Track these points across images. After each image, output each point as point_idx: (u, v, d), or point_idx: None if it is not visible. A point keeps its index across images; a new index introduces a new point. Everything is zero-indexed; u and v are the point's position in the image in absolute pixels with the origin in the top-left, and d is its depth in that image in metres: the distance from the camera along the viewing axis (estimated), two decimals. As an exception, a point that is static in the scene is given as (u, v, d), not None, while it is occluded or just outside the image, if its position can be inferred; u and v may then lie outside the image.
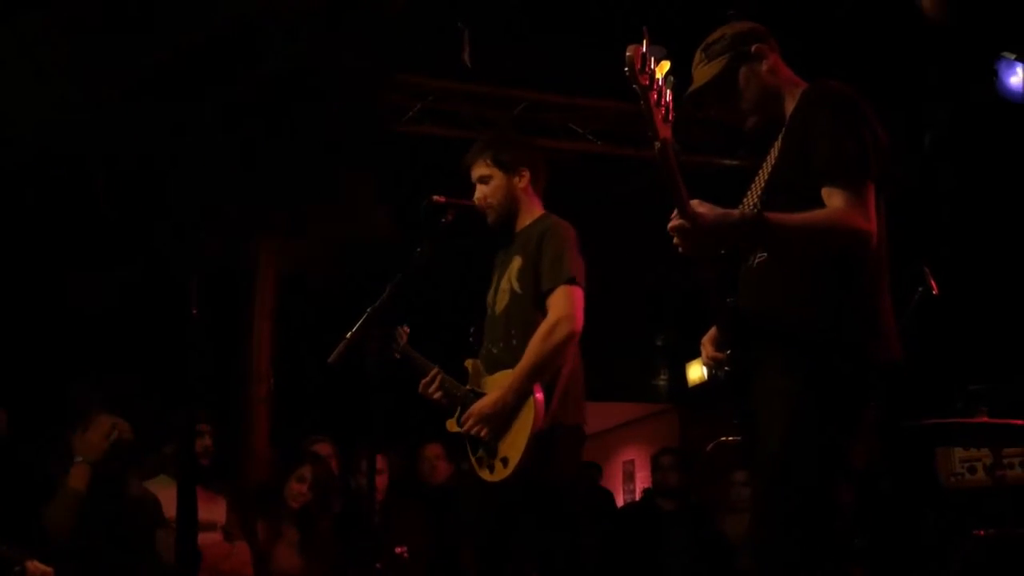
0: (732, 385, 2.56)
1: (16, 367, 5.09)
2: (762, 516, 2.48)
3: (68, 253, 5.27)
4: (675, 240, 2.29)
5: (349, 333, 3.40)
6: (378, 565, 4.91)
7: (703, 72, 2.68)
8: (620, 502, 9.66)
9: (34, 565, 3.53)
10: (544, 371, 3.31)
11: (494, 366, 3.48)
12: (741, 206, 2.58)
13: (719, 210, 2.30)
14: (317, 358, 3.44)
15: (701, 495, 6.66)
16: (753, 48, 2.66)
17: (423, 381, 3.62)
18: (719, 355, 2.60)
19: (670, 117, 2.17)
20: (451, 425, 3.58)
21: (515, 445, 3.28)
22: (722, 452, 4.62)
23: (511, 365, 3.37)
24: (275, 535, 4.78)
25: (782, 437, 2.39)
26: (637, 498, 9.54)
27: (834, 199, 2.38)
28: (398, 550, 5.09)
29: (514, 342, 3.42)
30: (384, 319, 3.52)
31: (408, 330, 3.79)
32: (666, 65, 2.15)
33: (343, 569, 4.90)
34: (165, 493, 4.31)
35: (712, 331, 2.65)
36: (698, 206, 2.27)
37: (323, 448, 5.31)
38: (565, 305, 3.35)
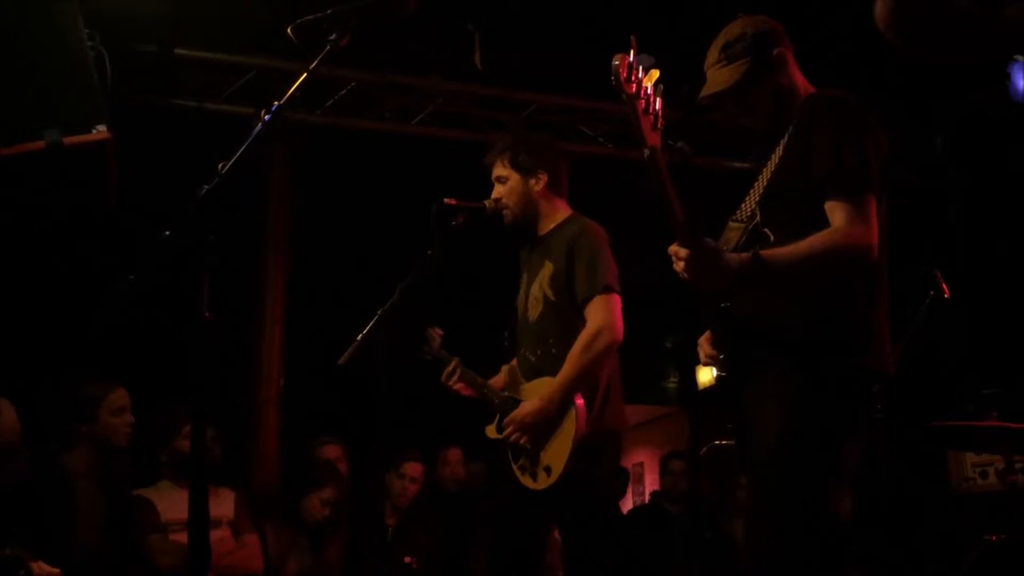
0: (726, 389, 2.56)
1: (23, 369, 5.10)
2: (757, 520, 2.49)
3: (76, 254, 5.28)
4: (675, 265, 2.27)
5: (360, 335, 3.40)
6: (387, 570, 4.91)
7: (721, 75, 2.61)
8: (629, 504, 9.64)
9: (39, 567, 3.54)
10: (584, 381, 3.32)
11: (532, 373, 3.46)
12: (739, 212, 2.57)
13: (720, 250, 2.28)
14: (328, 361, 3.45)
15: (706, 498, 6.66)
16: (775, 52, 2.60)
17: (445, 371, 3.62)
18: (715, 353, 2.58)
19: (659, 125, 2.16)
20: (490, 432, 3.55)
21: (558, 453, 3.27)
22: (722, 455, 4.62)
23: (551, 373, 3.37)
24: (288, 541, 4.79)
25: (776, 442, 2.41)
26: (646, 500, 9.52)
27: (836, 214, 2.38)
28: (406, 560, 5.07)
29: (553, 351, 3.41)
30: (395, 321, 3.53)
31: (441, 332, 3.78)
32: (655, 74, 2.14)
33: (353, 572, 4.90)
34: (165, 498, 4.33)
35: (708, 332, 2.63)
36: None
37: (332, 450, 5.29)
38: (604, 315, 3.35)
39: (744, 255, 2.32)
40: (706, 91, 2.64)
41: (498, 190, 3.58)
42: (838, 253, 2.35)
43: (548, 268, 3.49)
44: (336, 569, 4.89)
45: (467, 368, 3.62)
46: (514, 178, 3.56)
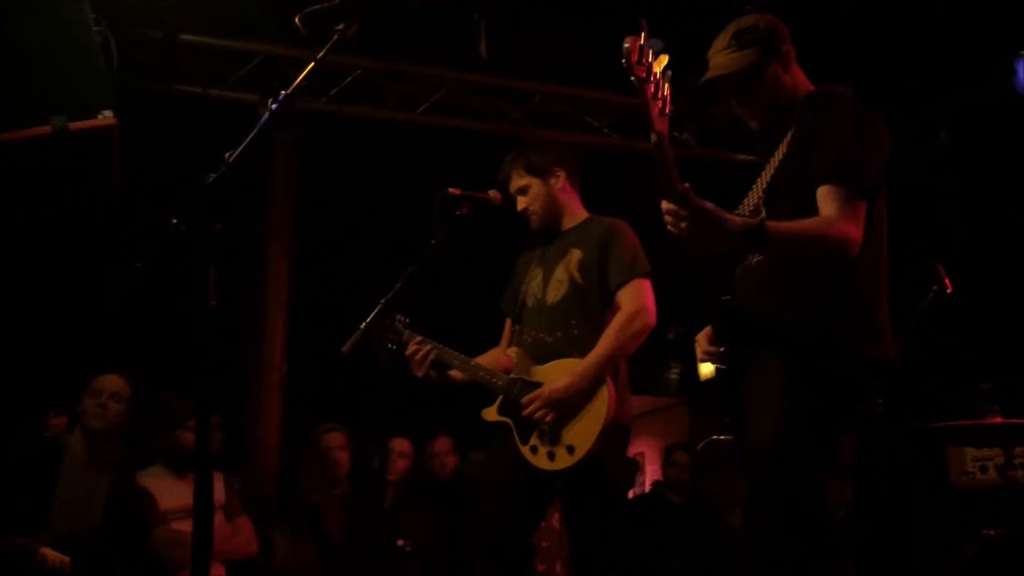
0: (725, 382, 2.57)
1: (28, 358, 5.11)
2: (753, 512, 2.49)
3: (80, 242, 5.28)
4: (668, 224, 2.26)
5: (363, 324, 3.41)
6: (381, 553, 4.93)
7: (729, 59, 2.62)
8: (629, 494, 9.66)
9: (52, 554, 3.59)
10: (618, 359, 3.35)
11: (547, 355, 3.44)
12: (742, 206, 2.58)
13: (722, 211, 2.28)
14: (331, 348, 3.46)
15: (706, 489, 6.67)
16: (783, 48, 2.63)
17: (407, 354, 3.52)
18: (713, 349, 2.59)
19: (667, 110, 2.16)
20: (490, 414, 3.51)
21: (585, 433, 3.26)
22: (719, 450, 4.62)
23: (572, 354, 3.36)
24: (284, 528, 4.81)
25: (774, 435, 2.41)
26: (647, 490, 9.54)
27: (828, 201, 2.40)
28: (400, 543, 5.08)
29: (575, 332, 3.41)
30: (397, 310, 3.53)
31: (406, 319, 3.66)
32: (665, 59, 2.14)
33: (349, 558, 4.91)
34: (158, 484, 4.34)
35: (707, 328, 2.64)
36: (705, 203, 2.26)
37: (335, 438, 5.30)
38: (642, 297, 3.41)
39: (749, 218, 2.34)
40: (711, 73, 2.63)
41: (521, 201, 3.59)
42: (828, 243, 2.37)
43: (576, 254, 3.50)
44: (332, 542, 4.91)
45: (449, 349, 3.55)
46: (535, 183, 3.58)
